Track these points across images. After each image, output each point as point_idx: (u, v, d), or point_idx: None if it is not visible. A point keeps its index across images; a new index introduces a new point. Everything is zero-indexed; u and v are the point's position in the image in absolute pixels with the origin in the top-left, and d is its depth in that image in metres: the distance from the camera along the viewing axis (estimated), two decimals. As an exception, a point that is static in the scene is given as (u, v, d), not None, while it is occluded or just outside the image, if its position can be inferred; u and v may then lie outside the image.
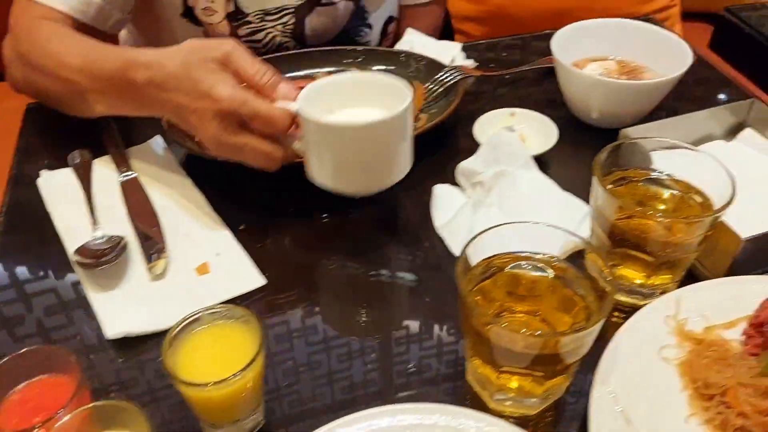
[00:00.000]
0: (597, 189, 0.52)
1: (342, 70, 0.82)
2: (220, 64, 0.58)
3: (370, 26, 0.98)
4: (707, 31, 1.21)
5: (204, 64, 0.57)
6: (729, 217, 0.52)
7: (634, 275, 0.54)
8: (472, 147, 0.70)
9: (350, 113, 0.61)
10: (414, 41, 0.87)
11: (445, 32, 1.44)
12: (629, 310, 0.52)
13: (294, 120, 0.58)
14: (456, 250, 0.60)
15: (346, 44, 0.95)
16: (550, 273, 0.49)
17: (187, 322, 0.43)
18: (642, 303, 0.54)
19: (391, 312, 0.57)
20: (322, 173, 0.58)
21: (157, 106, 0.62)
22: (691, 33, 1.46)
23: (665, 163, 0.56)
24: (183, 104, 0.58)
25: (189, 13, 0.86)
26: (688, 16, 1.52)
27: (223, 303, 0.53)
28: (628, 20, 0.78)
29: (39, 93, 0.74)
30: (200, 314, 0.44)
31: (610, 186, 0.55)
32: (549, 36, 0.76)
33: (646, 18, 0.98)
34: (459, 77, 0.77)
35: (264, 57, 0.81)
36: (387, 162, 0.58)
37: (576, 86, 0.72)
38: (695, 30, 1.50)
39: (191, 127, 0.60)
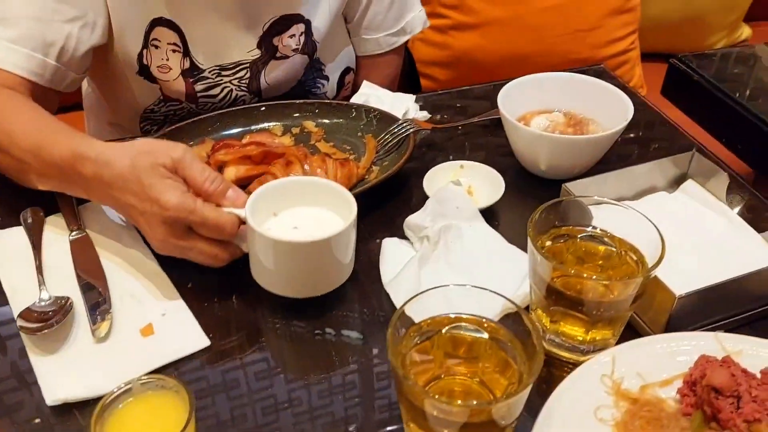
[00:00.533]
0: (531, 250, 0.53)
1: (297, 124, 0.83)
2: (170, 169, 0.59)
3: (326, 78, 0.99)
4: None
5: (153, 168, 0.58)
6: (666, 274, 0.54)
7: (573, 331, 0.55)
8: (423, 199, 0.71)
9: (296, 213, 0.63)
10: (369, 94, 0.89)
11: (411, 76, 1.47)
12: (572, 367, 0.53)
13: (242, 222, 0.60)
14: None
15: (303, 96, 0.98)
16: (486, 335, 0.49)
17: (117, 393, 0.43)
18: (583, 359, 0.54)
19: (336, 371, 0.57)
20: (264, 279, 0.60)
21: (105, 199, 0.63)
22: (651, 73, 1.51)
23: (604, 217, 0.58)
24: (131, 204, 0.59)
25: (144, 71, 0.87)
26: (648, 56, 1.56)
27: (157, 370, 0.53)
28: (573, 74, 0.80)
29: None
30: (131, 385, 0.44)
31: (548, 243, 0.56)
32: (501, 86, 0.79)
33: (599, 67, 1.01)
34: (411, 130, 0.79)
35: (221, 112, 0.82)
36: (329, 271, 0.60)
37: (523, 140, 0.74)
38: (655, 70, 1.54)
39: (139, 225, 0.61)
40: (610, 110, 0.76)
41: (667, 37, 1.58)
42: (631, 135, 0.84)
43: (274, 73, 0.92)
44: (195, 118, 0.81)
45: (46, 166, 0.64)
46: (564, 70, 0.96)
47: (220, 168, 0.74)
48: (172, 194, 0.57)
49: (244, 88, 0.92)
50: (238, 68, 0.90)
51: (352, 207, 0.60)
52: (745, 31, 1.67)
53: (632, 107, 0.72)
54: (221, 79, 0.90)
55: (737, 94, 0.90)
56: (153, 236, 0.60)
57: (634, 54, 1.44)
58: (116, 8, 0.81)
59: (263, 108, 0.83)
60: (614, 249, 0.56)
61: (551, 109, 0.80)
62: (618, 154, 0.78)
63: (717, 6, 1.54)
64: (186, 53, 0.87)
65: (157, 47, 0.85)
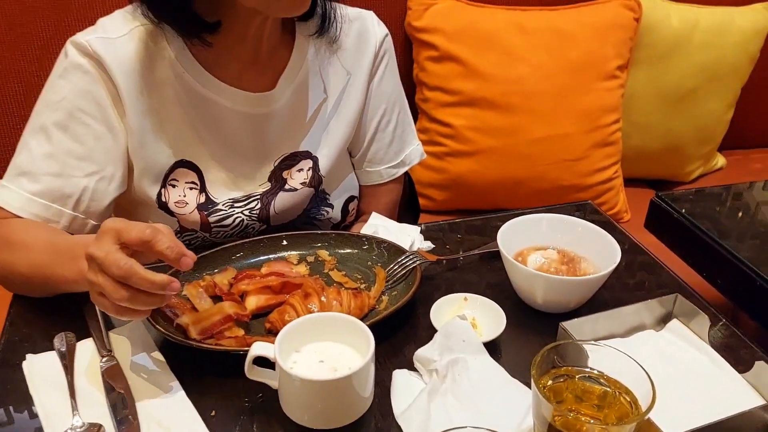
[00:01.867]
0: (534, 390, 0.58)
1: (312, 253, 0.90)
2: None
3: (331, 206, 1.06)
4: (650, 196, 1.33)
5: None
6: (656, 413, 0.59)
7: (574, 467, 0.59)
8: (429, 328, 0.77)
9: (317, 348, 0.68)
10: (378, 225, 0.96)
11: (410, 196, 1.56)
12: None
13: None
14: (412, 439, 0.65)
15: (308, 222, 1.05)
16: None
17: None
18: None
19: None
20: (292, 411, 0.65)
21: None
22: (635, 198, 1.62)
23: (599, 358, 0.63)
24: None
25: (163, 207, 0.93)
26: (631, 182, 1.67)
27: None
28: (565, 216, 0.88)
29: (6, 282, 0.83)
30: None
31: (550, 383, 0.62)
32: (501, 218, 0.87)
33: (585, 203, 1.09)
34: (417, 262, 0.85)
35: (243, 241, 0.89)
36: (350, 405, 0.65)
37: (520, 277, 0.81)
38: (639, 195, 1.65)
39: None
40: (599, 250, 0.83)
41: (648, 165, 1.70)
42: (618, 274, 0.91)
43: (282, 204, 0.99)
44: (218, 248, 0.87)
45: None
46: (554, 206, 1.05)
47: (242, 296, 0.80)
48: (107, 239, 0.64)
49: (255, 218, 0.98)
50: (249, 200, 0.97)
51: (369, 342, 0.65)
52: (720, 160, 1.80)
53: (619, 251, 0.80)
54: (233, 211, 0.96)
55: (714, 232, 0.99)
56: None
57: (617, 182, 1.55)
58: (139, 157, 0.89)
59: (284, 242, 0.90)
60: (609, 389, 0.62)
61: (546, 246, 0.87)
62: (608, 289, 0.84)
63: (693, 138, 1.67)
64: (202, 189, 0.94)
65: (174, 186, 0.93)
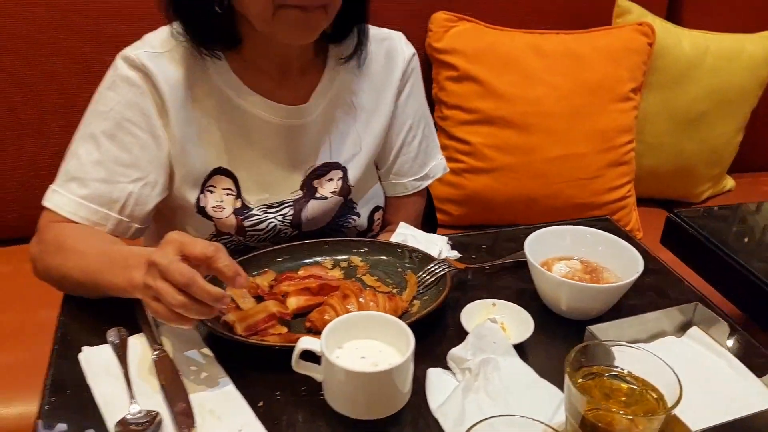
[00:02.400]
0: (568, 384, 0.62)
1: (345, 258, 0.94)
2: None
3: (358, 214, 1.10)
4: (662, 215, 1.38)
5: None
6: (679, 411, 0.63)
7: (603, 459, 0.63)
8: (459, 331, 0.81)
9: (359, 345, 0.72)
10: (407, 234, 1.01)
11: (428, 211, 1.60)
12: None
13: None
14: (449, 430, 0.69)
15: (335, 230, 1.09)
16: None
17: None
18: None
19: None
20: (336, 402, 0.69)
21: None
22: (648, 218, 1.66)
23: (625, 359, 0.67)
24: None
25: (201, 211, 0.98)
26: (644, 201, 1.72)
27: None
28: (589, 228, 0.93)
29: (57, 284, 0.87)
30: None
31: (580, 380, 0.66)
32: (522, 231, 0.91)
33: (603, 219, 1.14)
34: (446, 269, 0.90)
35: (283, 246, 0.93)
36: (390, 398, 0.69)
37: (546, 284, 0.85)
38: (651, 214, 1.69)
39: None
40: (621, 261, 0.87)
41: (660, 185, 1.74)
42: (638, 284, 0.96)
43: (312, 211, 1.04)
44: (258, 252, 0.92)
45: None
46: (574, 220, 1.10)
47: (283, 297, 0.85)
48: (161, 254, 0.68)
49: (287, 223, 1.03)
50: (282, 206, 1.02)
51: (409, 340, 0.69)
52: (729, 183, 1.85)
53: (642, 261, 0.84)
54: (267, 216, 1.01)
55: (728, 247, 1.03)
56: (140, 274, 0.70)
57: (630, 201, 1.60)
58: (180, 164, 0.94)
59: (320, 243, 0.94)
60: (636, 387, 0.66)
61: (570, 256, 0.91)
62: (629, 298, 0.88)
63: (704, 159, 1.72)
64: (238, 195, 0.99)
65: (212, 192, 0.98)
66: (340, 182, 1.04)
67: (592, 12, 1.67)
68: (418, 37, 1.61)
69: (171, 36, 0.91)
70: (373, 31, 1.02)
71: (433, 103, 1.62)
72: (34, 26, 1.32)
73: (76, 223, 0.88)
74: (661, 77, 1.62)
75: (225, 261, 0.69)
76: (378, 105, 1.05)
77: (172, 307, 0.67)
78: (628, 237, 1.08)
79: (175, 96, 0.90)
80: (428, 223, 1.38)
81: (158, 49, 0.91)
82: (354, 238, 0.97)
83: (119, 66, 0.90)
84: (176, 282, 0.66)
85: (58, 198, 0.89)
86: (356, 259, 0.95)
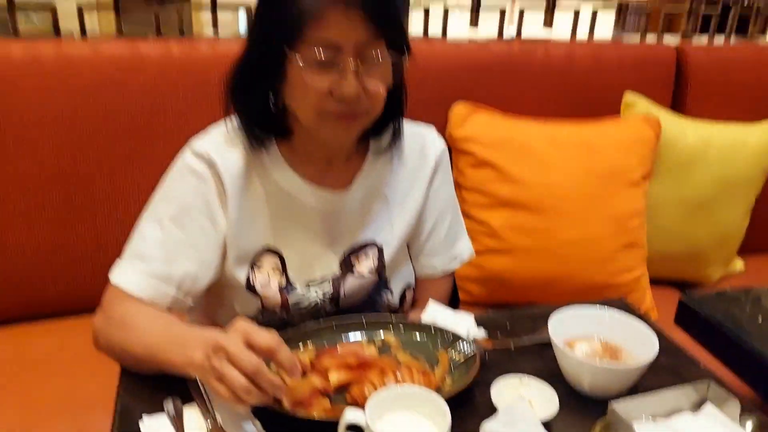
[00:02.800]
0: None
1: (379, 335, 1.01)
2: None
3: (391, 291, 1.18)
4: (675, 295, 1.44)
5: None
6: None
7: None
8: (489, 407, 0.86)
9: (396, 419, 0.78)
10: (436, 312, 1.08)
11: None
12: None
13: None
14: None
15: (370, 306, 1.16)
16: None
17: None
18: None
19: None
20: None
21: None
22: (662, 298, 1.71)
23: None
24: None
25: (250, 288, 1.07)
26: (657, 282, 1.78)
27: None
28: (607, 310, 1.00)
29: (118, 358, 0.94)
30: None
31: (604, 453, 0.71)
32: (540, 311, 0.98)
33: (618, 301, 1.20)
34: (475, 348, 0.96)
35: (322, 323, 1.01)
36: None
37: (570, 364, 0.91)
38: (665, 295, 1.75)
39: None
40: (638, 341, 0.94)
41: (672, 266, 1.81)
42: (655, 363, 1.02)
43: (350, 287, 1.12)
44: (298, 329, 0.99)
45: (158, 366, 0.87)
46: (591, 302, 1.16)
47: (324, 372, 0.91)
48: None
49: (327, 299, 1.11)
50: (323, 283, 1.10)
51: (446, 414, 0.75)
52: (738, 264, 1.92)
53: (657, 342, 0.91)
54: (309, 292, 1.09)
55: (739, 329, 1.09)
56: (200, 354, 0.77)
57: (644, 282, 1.66)
58: (233, 245, 1.03)
59: (363, 323, 1.02)
60: (657, 461, 0.71)
61: (591, 336, 0.98)
62: (645, 377, 0.94)
63: (713, 242, 1.80)
64: (284, 273, 1.08)
65: (260, 269, 1.06)
66: (376, 261, 1.12)
67: (602, 103, 1.79)
68: (438, 124, 1.72)
69: (233, 129, 1.03)
70: (408, 124, 1.13)
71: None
72: (88, 125, 1.44)
73: (139, 297, 0.96)
74: (668, 165, 1.71)
75: (285, 354, 0.78)
76: (411, 191, 1.14)
77: (235, 390, 0.74)
78: (643, 318, 1.15)
79: (233, 184, 1.01)
80: (451, 302, 1.45)
81: (221, 142, 1.02)
82: (388, 317, 1.04)
83: (187, 156, 1.01)
84: (244, 369, 0.74)
85: (123, 274, 0.98)
86: (390, 337, 1.01)
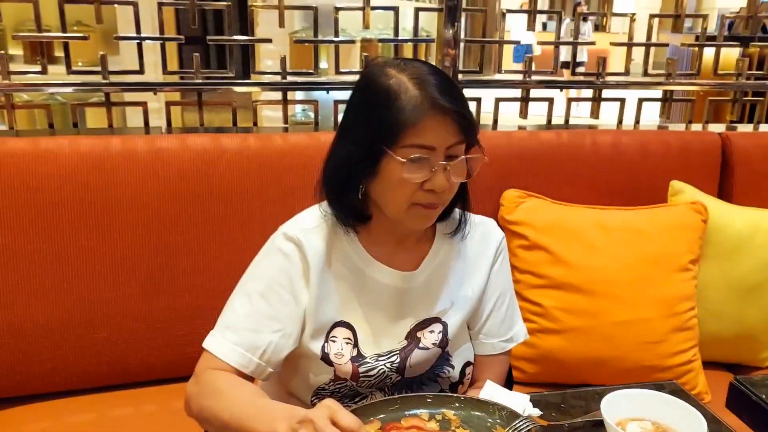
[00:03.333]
0: None
1: (439, 411, 1.08)
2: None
3: (452, 366, 1.26)
4: (728, 378, 1.45)
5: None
6: None
7: None
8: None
9: None
10: (492, 391, 1.15)
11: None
12: None
13: None
14: None
15: (432, 379, 1.24)
16: None
17: None
18: None
19: None
20: None
21: None
22: (715, 381, 1.72)
23: None
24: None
25: (325, 358, 1.16)
26: (710, 365, 1.79)
27: None
28: (658, 392, 1.05)
29: (206, 423, 1.04)
30: None
31: None
32: (591, 392, 1.03)
33: (670, 383, 1.25)
34: (531, 426, 1.02)
35: (389, 397, 1.09)
36: None
37: (623, 443, 0.97)
38: (718, 377, 1.76)
39: None
40: (688, 424, 0.99)
41: (724, 349, 1.82)
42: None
43: (416, 359, 1.21)
44: (365, 403, 1.07)
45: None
46: (644, 383, 1.21)
47: (391, 445, 0.99)
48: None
49: (394, 370, 1.19)
50: (391, 354, 1.19)
51: None
52: (793, 349, 1.91)
53: (705, 426, 0.95)
54: (378, 363, 1.18)
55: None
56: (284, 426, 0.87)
57: (696, 364, 1.69)
58: (312, 318, 1.14)
59: (422, 397, 1.09)
60: None
61: (642, 417, 1.03)
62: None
63: (764, 325, 1.80)
64: (355, 345, 1.17)
65: (334, 341, 1.16)
66: (440, 335, 1.21)
67: (648, 190, 1.87)
68: (490, 209, 1.83)
69: (318, 215, 1.17)
70: (471, 216, 1.25)
71: (505, 268, 1.79)
72: (172, 209, 1.60)
73: (227, 364, 1.07)
74: (716, 250, 1.76)
75: None
76: (473, 275, 1.25)
77: None
78: (694, 401, 1.19)
79: (316, 263, 1.13)
80: (506, 380, 1.51)
81: (309, 226, 1.16)
82: (450, 394, 1.12)
83: (277, 238, 1.15)
84: None
85: (215, 343, 1.10)
86: (449, 413, 1.08)
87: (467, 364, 1.29)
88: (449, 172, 1.06)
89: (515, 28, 7.97)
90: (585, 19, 3.37)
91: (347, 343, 1.17)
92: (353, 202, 1.12)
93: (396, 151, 1.04)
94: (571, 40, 2.21)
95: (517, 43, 2.46)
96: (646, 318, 1.64)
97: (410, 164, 1.04)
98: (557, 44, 2.16)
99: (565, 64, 4.47)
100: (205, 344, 1.11)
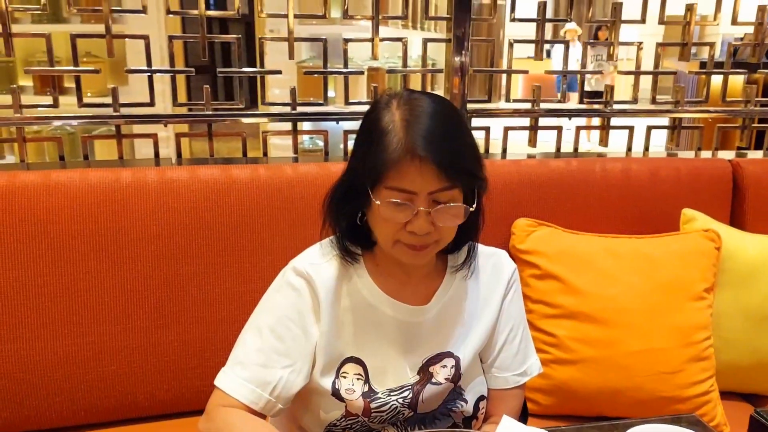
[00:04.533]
0: None
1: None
2: None
3: (465, 401, 1.24)
4: (748, 409, 1.43)
5: None
6: None
7: None
8: None
9: None
10: (510, 427, 1.12)
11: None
12: None
13: None
14: None
15: (445, 413, 1.22)
16: None
17: None
18: None
19: None
20: None
21: None
22: (734, 412, 1.69)
23: None
24: None
25: (336, 394, 1.15)
26: (728, 395, 1.76)
27: None
28: (679, 424, 1.03)
29: None
30: None
31: None
32: (607, 425, 1.01)
33: (692, 416, 1.22)
34: (551, 462, 1.00)
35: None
36: None
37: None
38: (737, 408, 1.72)
39: None
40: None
41: (741, 379, 1.79)
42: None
43: (428, 394, 1.18)
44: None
45: None
46: (660, 417, 1.19)
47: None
48: None
49: (406, 405, 1.17)
50: (403, 390, 1.17)
51: None
52: (812, 378, 1.87)
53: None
54: (390, 398, 1.16)
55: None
56: None
57: (714, 395, 1.65)
58: (322, 354, 1.13)
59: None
60: None
61: (664, 456, 1.01)
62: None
63: (781, 355, 1.78)
64: (366, 380, 1.15)
65: (345, 377, 1.14)
66: (452, 370, 1.19)
67: (660, 219, 1.86)
68: (501, 238, 1.82)
69: (327, 250, 1.16)
70: (482, 248, 1.23)
71: (517, 297, 1.77)
72: (183, 240, 1.59)
73: (237, 400, 1.05)
74: (731, 277, 1.74)
75: None
76: (485, 308, 1.23)
77: None
78: (716, 435, 1.16)
79: (326, 298, 1.12)
80: (521, 414, 1.49)
81: (318, 261, 1.15)
82: (466, 430, 1.10)
83: (288, 273, 1.14)
84: None
85: (226, 379, 1.09)
86: (467, 450, 1.06)
87: (481, 398, 1.26)
88: (433, 216, 1.04)
89: (556, 57, 8.21)
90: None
91: (358, 379, 1.15)
92: (354, 227, 1.13)
93: (380, 191, 1.04)
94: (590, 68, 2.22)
95: (526, 72, 2.46)
96: (662, 348, 1.62)
97: (390, 205, 1.03)
98: (564, 73, 2.16)
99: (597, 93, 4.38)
100: (217, 381, 1.09)
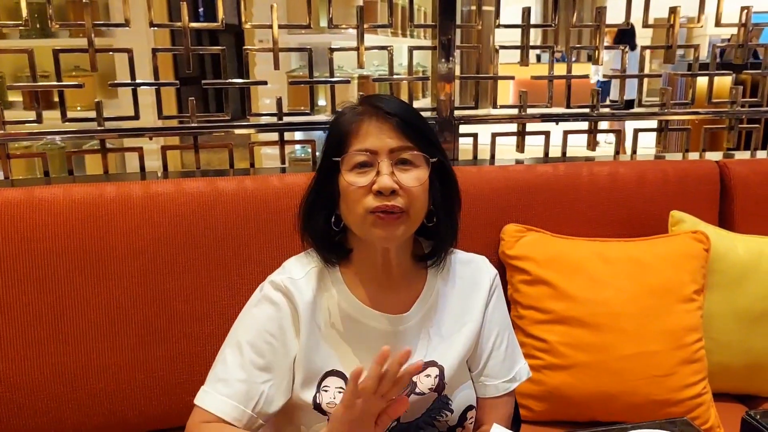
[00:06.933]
0: None
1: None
2: None
3: (451, 410, 1.22)
4: (740, 410, 1.42)
5: None
6: None
7: None
8: None
9: None
10: (501, 435, 1.12)
11: (509, 406, 1.68)
12: None
13: None
14: None
15: (429, 423, 1.20)
16: None
17: None
18: None
19: None
20: None
21: None
22: (726, 414, 1.68)
23: None
24: None
25: (318, 408, 1.13)
26: (720, 396, 1.75)
27: None
28: (672, 429, 1.02)
29: None
30: None
31: None
32: (608, 428, 1.01)
33: (684, 420, 1.21)
34: (541, 470, 0.99)
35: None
36: None
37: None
38: (729, 410, 1.72)
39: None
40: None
41: (733, 380, 1.78)
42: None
43: (412, 404, 1.16)
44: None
45: None
46: (655, 422, 1.18)
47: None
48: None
49: None
50: None
51: None
52: (804, 378, 1.87)
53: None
54: None
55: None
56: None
57: (707, 397, 1.65)
58: (301, 367, 1.12)
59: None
60: None
61: (655, 459, 1.00)
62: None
63: (773, 355, 1.77)
64: None
65: (326, 391, 1.13)
66: (437, 379, 1.18)
67: (648, 221, 1.85)
68: (490, 244, 1.81)
69: (305, 263, 1.16)
70: (461, 254, 1.23)
71: (509, 303, 1.76)
72: (169, 255, 1.58)
73: (219, 417, 1.04)
74: (720, 278, 1.74)
75: None
76: (468, 315, 1.22)
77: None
78: (707, 437, 1.15)
79: (306, 312, 1.11)
80: (513, 421, 1.48)
81: (297, 275, 1.15)
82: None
83: (266, 288, 1.13)
84: None
85: (207, 397, 1.07)
86: (457, 461, 1.05)
87: (469, 407, 1.25)
88: (396, 175, 1.07)
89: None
90: (633, 48, 3.32)
91: (340, 392, 1.13)
92: (329, 234, 1.13)
93: (344, 161, 1.09)
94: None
95: (512, 78, 2.46)
96: (654, 351, 1.61)
97: (355, 169, 1.08)
98: (551, 78, 2.16)
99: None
100: (198, 401, 1.08)
